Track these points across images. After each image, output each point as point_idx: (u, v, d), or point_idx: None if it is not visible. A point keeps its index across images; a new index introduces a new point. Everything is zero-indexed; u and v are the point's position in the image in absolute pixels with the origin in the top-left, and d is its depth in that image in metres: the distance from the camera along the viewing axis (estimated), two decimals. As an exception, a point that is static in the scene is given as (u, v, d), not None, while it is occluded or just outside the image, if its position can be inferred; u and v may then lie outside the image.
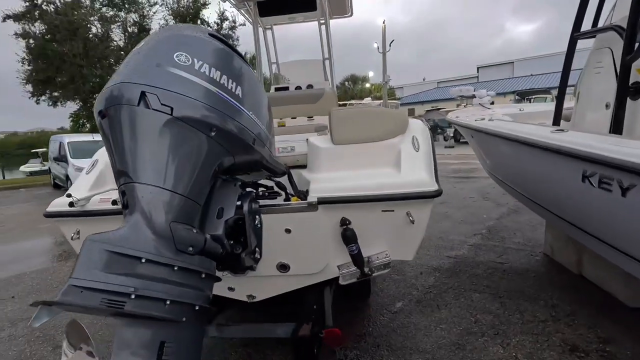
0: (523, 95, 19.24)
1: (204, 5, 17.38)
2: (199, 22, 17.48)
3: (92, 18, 15.82)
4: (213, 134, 1.35)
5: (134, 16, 16.77)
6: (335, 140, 2.03)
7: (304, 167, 2.27)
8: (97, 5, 16.13)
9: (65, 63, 14.49)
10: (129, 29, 16.73)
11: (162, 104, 1.23)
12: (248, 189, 1.82)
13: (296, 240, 1.84)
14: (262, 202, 1.81)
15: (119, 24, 16.66)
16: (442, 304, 2.83)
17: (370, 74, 38.14)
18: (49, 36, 14.71)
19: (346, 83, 40.01)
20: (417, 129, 2.15)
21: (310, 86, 4.07)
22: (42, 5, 14.93)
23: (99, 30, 16.18)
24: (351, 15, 4.38)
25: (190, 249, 1.28)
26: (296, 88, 4.09)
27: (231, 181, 1.64)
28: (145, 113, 1.23)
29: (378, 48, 19.40)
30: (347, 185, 1.77)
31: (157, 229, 1.19)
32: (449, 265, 3.58)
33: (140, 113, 1.23)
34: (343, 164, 1.99)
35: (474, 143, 3.70)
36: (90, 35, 15.61)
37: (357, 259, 1.78)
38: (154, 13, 17.08)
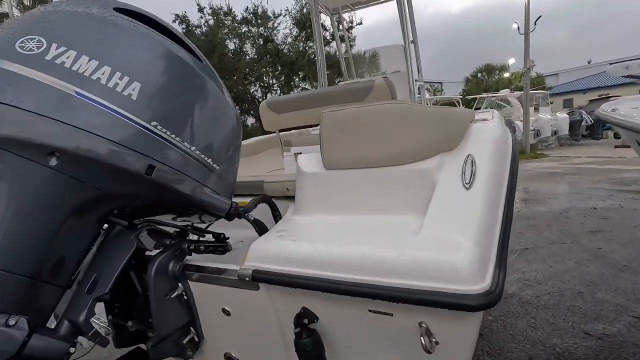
0: None
1: (323, 9, 17.68)
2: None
3: (230, 35, 18.02)
4: (54, 162, 0.81)
5: (261, 29, 18.35)
6: (326, 162, 1.22)
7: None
8: (235, 24, 18.24)
9: (204, 77, 17.03)
10: (257, 41, 18.41)
11: None
12: (188, 238, 1.23)
13: (239, 327, 1.14)
14: (196, 259, 1.19)
15: (250, 38, 18.49)
16: None
17: (511, 61, 32.20)
18: (193, 55, 17.52)
19: (479, 74, 34.95)
20: (484, 143, 1.14)
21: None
22: (192, 30, 17.78)
23: (237, 46, 18.28)
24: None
25: None
26: None
27: (127, 232, 1.07)
28: None
29: (519, 28, 16.17)
30: (312, 252, 0.96)
31: None
32: (585, 350, 2.21)
33: None
34: (332, 204, 1.18)
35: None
36: (228, 51, 17.79)
37: (320, 389, 0.96)
38: (278, 24, 18.31)
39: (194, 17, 17.99)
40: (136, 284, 1.16)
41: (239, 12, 18.28)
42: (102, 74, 0.85)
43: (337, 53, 4.15)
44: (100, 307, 1.10)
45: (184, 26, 17.84)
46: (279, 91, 19.44)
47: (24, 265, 0.84)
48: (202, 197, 1.04)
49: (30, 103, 0.78)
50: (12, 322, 0.82)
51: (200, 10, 17.62)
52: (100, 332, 0.98)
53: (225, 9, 17.95)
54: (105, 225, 1.08)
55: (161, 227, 1.16)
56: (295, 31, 18.69)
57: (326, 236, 1.03)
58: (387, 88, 1.87)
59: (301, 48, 18.75)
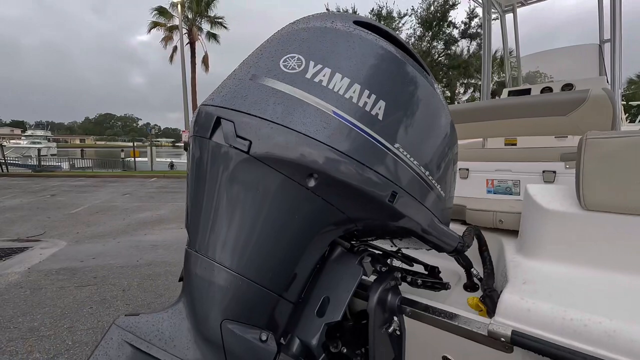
0: None
1: (453, 5, 16.60)
2: (445, 24, 16.93)
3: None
4: (312, 183, 0.80)
5: (385, 31, 18.25)
6: (588, 200, 0.95)
7: (514, 233, 1.27)
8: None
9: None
10: (379, 43, 18.39)
11: (237, 136, 0.78)
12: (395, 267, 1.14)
13: None
14: (411, 294, 1.09)
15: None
16: None
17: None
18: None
19: (649, 75, 27.86)
20: None
21: (568, 86, 2.66)
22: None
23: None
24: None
25: None
26: (543, 90, 2.78)
27: (349, 256, 1.02)
28: (217, 150, 0.82)
29: None
30: (594, 323, 0.72)
31: (202, 328, 0.81)
32: None
33: (213, 150, 0.83)
34: (599, 256, 0.91)
35: None
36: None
37: None
38: (403, 24, 17.89)
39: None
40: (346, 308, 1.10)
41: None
42: (354, 92, 0.80)
43: (484, 54, 3.67)
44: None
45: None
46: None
47: (274, 280, 0.84)
48: (433, 229, 0.92)
49: (297, 123, 0.76)
50: (263, 337, 0.81)
51: (328, 14, 18.38)
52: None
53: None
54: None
55: (373, 250, 1.08)
56: (419, 31, 18.00)
57: (605, 299, 0.77)
58: (608, 103, 1.46)
59: (424, 48, 17.96)
